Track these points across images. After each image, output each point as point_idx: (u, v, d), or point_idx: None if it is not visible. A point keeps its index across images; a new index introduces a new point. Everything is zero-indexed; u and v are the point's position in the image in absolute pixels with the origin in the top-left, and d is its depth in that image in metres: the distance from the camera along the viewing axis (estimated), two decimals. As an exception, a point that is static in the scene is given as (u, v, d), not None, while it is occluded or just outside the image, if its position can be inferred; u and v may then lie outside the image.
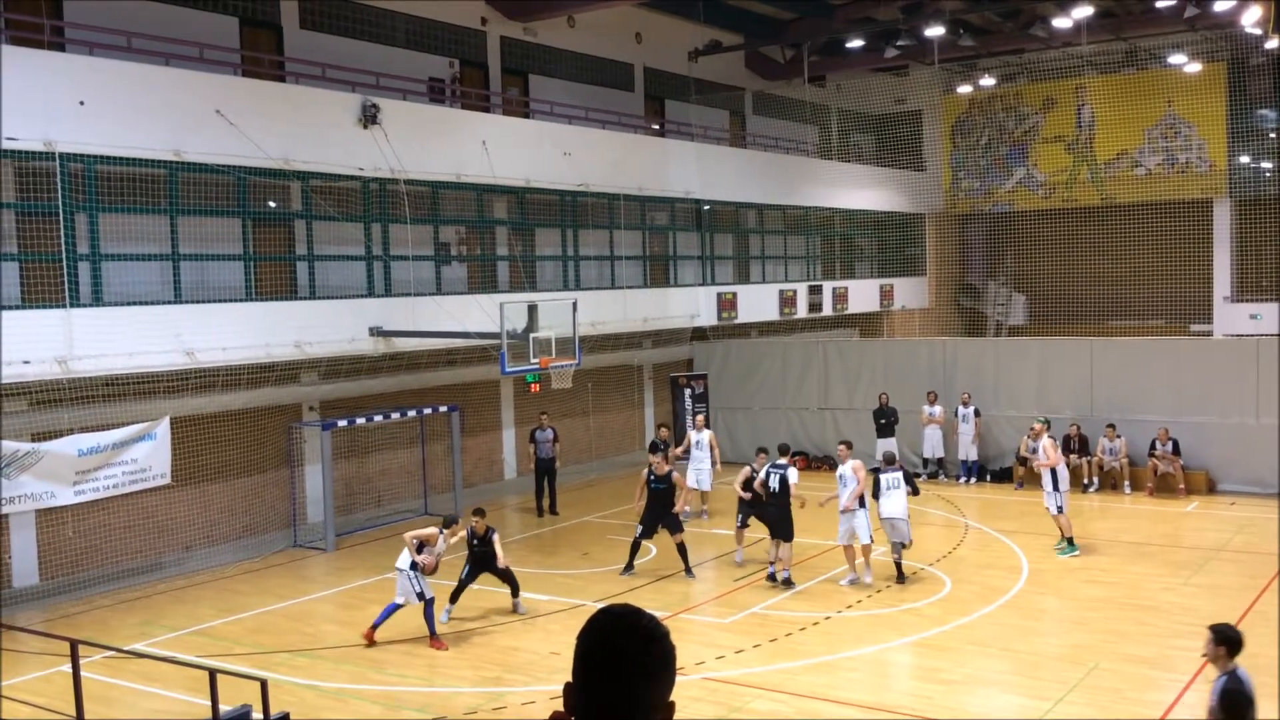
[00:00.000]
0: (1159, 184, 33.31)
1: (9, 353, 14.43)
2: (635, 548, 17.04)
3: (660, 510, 16.74)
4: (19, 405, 15.91)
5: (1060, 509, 17.57)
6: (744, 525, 17.09)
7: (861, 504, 15.96)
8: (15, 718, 11.31)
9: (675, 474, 17.20)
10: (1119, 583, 15.98)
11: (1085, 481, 22.26)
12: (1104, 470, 22.31)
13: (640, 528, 16.90)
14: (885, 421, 23.86)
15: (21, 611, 15.74)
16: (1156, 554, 17.70)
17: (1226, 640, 7.54)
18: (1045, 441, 17.68)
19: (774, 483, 16.35)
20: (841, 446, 16.88)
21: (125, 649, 13.15)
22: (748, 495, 16.66)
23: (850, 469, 16.22)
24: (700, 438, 21.13)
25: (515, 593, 15.07)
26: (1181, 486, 21.58)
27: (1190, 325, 32.39)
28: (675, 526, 16.76)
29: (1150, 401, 22.31)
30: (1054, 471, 17.49)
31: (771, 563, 16.50)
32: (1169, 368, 22.41)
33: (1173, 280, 32.37)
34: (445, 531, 14.48)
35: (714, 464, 20.85)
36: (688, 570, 16.80)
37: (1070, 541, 17.61)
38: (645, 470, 17.21)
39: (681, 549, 16.79)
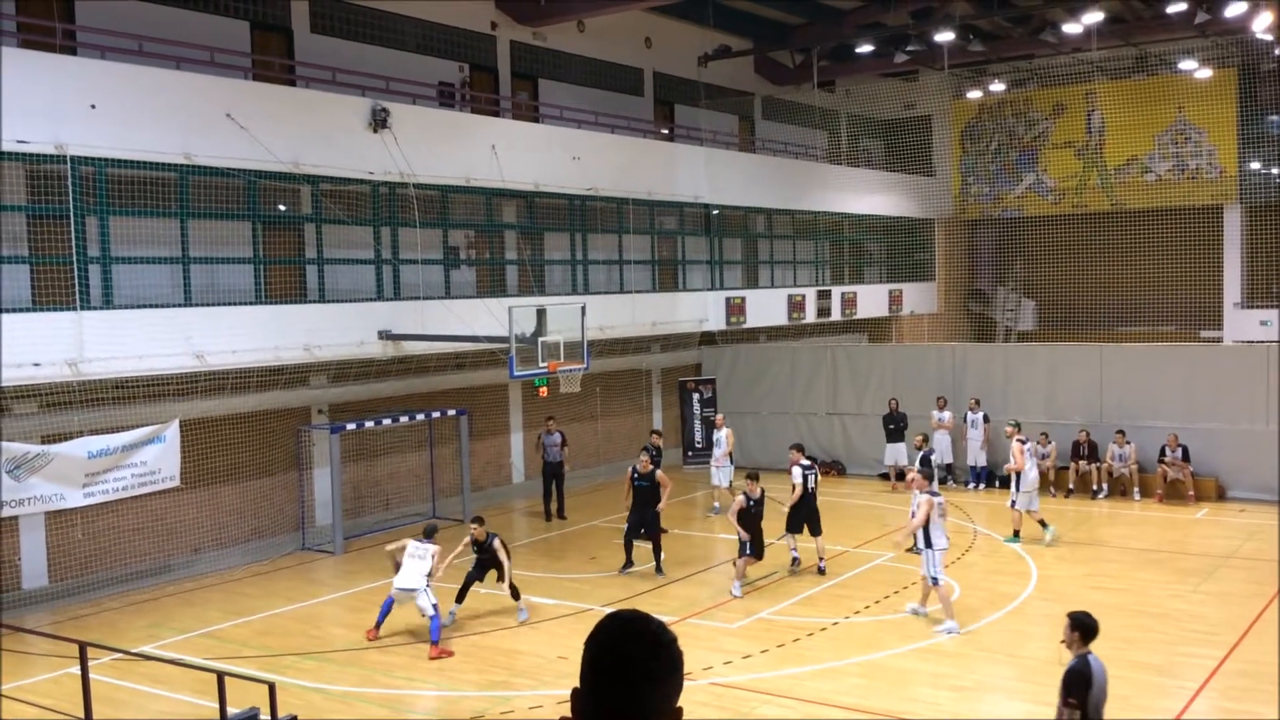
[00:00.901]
0: (1169, 190, 33.24)
1: (20, 355, 14.48)
2: (629, 545, 17.38)
3: (645, 507, 17.22)
4: (29, 407, 15.97)
5: (1012, 503, 18.71)
6: (749, 554, 16.11)
7: (928, 543, 14.25)
8: (24, 719, 11.34)
9: (659, 473, 17.48)
10: (1128, 589, 15.92)
11: (1095, 488, 22.23)
12: (1113, 477, 22.26)
13: (628, 526, 17.37)
14: (894, 427, 23.85)
15: (31, 613, 15.79)
16: (1165, 561, 17.65)
17: (1081, 627, 8.19)
18: (1014, 445, 18.70)
19: (812, 482, 17.25)
20: (916, 475, 15.09)
21: (133, 651, 13.18)
22: (744, 534, 16.00)
23: (916, 502, 14.58)
24: (719, 436, 21.82)
25: (515, 597, 15.03)
26: (1191, 493, 21.52)
27: (1200, 331, 32.31)
28: (654, 524, 17.35)
29: (1160, 408, 22.26)
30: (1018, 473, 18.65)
31: (821, 557, 17.11)
32: (1179, 374, 22.35)
33: (1183, 286, 32.28)
34: (427, 543, 14.24)
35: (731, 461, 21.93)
36: (658, 569, 17.29)
37: (1016, 534, 18.75)
38: (630, 469, 17.65)
39: (656, 547, 17.40)
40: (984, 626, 14.32)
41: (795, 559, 17.19)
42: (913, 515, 14.59)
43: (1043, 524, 18.60)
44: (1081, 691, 7.88)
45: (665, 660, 2.60)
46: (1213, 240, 32.61)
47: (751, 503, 16.11)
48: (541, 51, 25.72)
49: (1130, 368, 22.87)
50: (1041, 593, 15.86)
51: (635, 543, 17.38)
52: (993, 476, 23.57)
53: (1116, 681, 12.11)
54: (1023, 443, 18.82)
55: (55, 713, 11.21)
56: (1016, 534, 18.78)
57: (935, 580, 14.21)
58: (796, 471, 17.24)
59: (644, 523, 17.21)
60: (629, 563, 17.36)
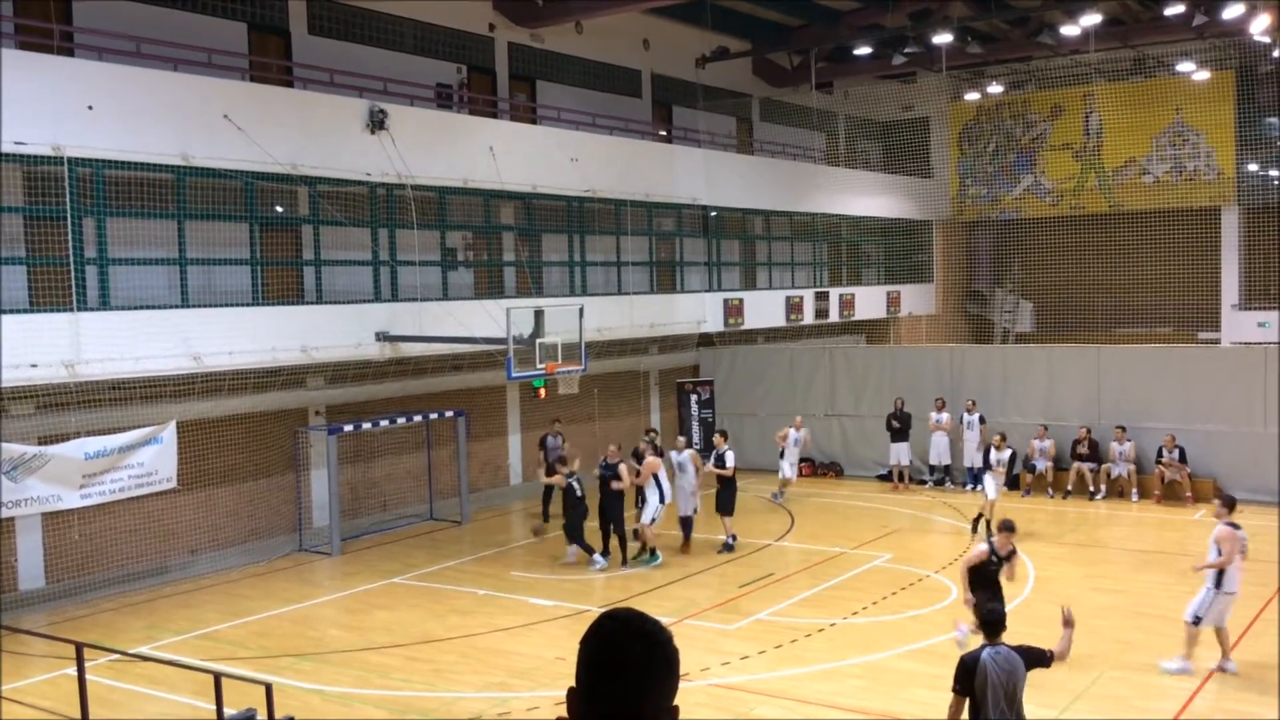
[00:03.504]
0: (1167, 191, 33.26)
1: (17, 356, 14.46)
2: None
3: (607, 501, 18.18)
4: (26, 409, 15.95)
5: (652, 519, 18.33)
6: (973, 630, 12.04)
7: (1218, 583, 12.31)
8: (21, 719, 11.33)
9: (622, 465, 18.20)
10: (1126, 591, 15.93)
11: (1091, 489, 22.19)
12: (1111, 478, 22.21)
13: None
14: (899, 426, 23.86)
15: (27, 614, 15.76)
16: (1164, 562, 17.63)
17: (983, 624, 8.97)
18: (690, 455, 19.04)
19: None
20: (1218, 502, 13.03)
21: (130, 652, 13.16)
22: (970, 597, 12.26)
23: (1215, 536, 12.46)
24: (799, 436, 22.87)
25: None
26: (1189, 494, 21.50)
27: (1198, 333, 32.32)
28: (618, 521, 18.14)
29: (1158, 409, 22.24)
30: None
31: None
32: (1176, 375, 22.34)
33: (1181, 288, 32.29)
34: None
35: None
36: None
37: (653, 552, 18.15)
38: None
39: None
40: (982, 628, 14.28)
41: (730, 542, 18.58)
42: (1215, 550, 12.38)
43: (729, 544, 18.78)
44: (965, 682, 8.23)
45: (661, 659, 2.59)
46: (1211, 242, 32.63)
47: (994, 559, 12.46)
48: (539, 53, 25.71)
49: (1128, 369, 22.85)
50: (1040, 594, 15.82)
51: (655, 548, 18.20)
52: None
53: (1114, 683, 12.15)
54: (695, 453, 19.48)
55: (52, 714, 11.20)
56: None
57: (1197, 620, 12.34)
58: (730, 456, 18.82)
59: (612, 516, 18.17)
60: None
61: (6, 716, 11.38)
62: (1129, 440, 22.10)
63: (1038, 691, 11.95)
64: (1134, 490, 22.03)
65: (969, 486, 23.49)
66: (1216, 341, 31.41)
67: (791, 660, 13.21)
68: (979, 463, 23.37)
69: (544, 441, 21.88)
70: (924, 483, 24.25)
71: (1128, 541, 19.27)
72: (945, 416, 23.70)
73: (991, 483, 19.23)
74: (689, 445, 20.26)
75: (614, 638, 2.61)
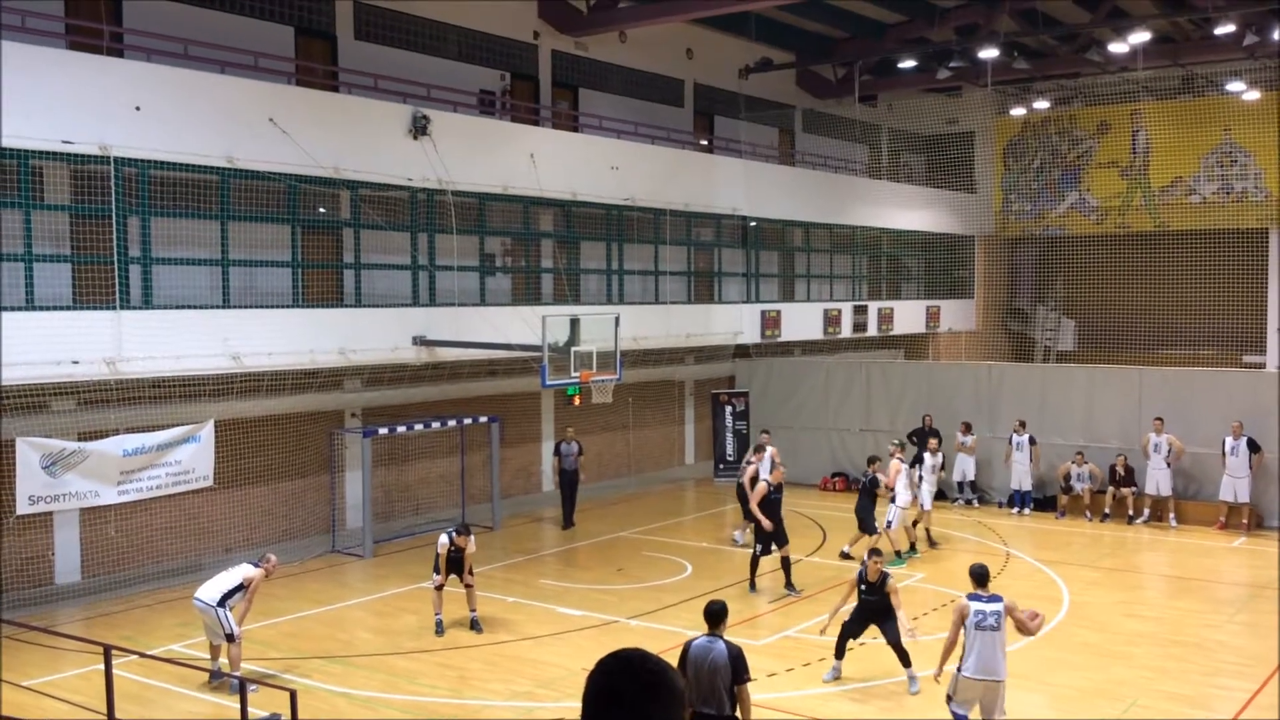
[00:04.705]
0: (1214, 212, 32.85)
1: (59, 352, 14.67)
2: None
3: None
4: (68, 404, 16.16)
5: (889, 524, 18.62)
6: None
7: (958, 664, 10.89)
8: (54, 715, 11.44)
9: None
10: (1161, 618, 15.70)
11: (1131, 513, 21.86)
12: (1153, 500, 21.82)
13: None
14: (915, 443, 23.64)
15: (62, 609, 15.96)
16: (1200, 589, 17.39)
17: (706, 614, 9.34)
18: (893, 464, 19.03)
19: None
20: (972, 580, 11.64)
21: (153, 654, 13.27)
22: None
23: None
24: (936, 461, 21.18)
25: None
26: (1222, 519, 21.17)
27: (1242, 356, 31.87)
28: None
29: (1198, 433, 21.89)
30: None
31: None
32: (1219, 399, 21.99)
33: (1226, 310, 31.88)
34: None
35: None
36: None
37: (898, 554, 18.62)
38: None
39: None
40: (1013, 652, 14.10)
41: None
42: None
43: (897, 554, 18.62)
44: (680, 664, 9.02)
45: (657, 700, 2.70)
46: (1258, 264, 32.21)
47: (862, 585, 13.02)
48: (583, 61, 25.77)
49: (1170, 391, 22.52)
50: (1074, 619, 15.65)
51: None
52: (1039, 501, 23.13)
53: (1146, 712, 11.98)
54: (903, 463, 19.25)
55: (84, 709, 11.31)
56: (912, 547, 19.24)
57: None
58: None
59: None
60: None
61: (39, 711, 11.51)
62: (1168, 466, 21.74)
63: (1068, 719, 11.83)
64: (1171, 515, 21.70)
65: (1016, 510, 23.13)
66: (1261, 365, 30.94)
67: (818, 679, 13.12)
68: (1027, 484, 23.02)
69: (558, 448, 21.99)
70: (954, 501, 23.99)
71: (1164, 567, 19.00)
72: (970, 438, 23.44)
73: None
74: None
75: (610, 679, 2.73)
